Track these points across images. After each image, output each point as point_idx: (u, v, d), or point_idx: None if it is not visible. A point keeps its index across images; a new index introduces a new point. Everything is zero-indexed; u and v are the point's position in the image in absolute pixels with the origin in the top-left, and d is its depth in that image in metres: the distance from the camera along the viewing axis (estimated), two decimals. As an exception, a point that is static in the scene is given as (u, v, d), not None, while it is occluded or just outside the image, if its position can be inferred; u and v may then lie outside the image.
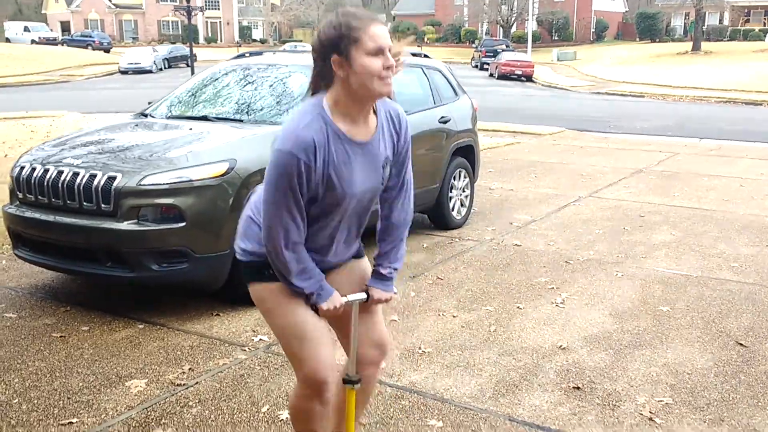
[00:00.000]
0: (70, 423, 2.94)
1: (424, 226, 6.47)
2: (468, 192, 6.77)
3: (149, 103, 5.67)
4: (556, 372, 3.55)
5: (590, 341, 3.95)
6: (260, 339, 3.84)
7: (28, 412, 3.02)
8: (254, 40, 67.25)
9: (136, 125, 5.04)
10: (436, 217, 6.43)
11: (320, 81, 2.01)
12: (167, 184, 3.92)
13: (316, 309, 2.12)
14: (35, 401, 3.11)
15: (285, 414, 3.02)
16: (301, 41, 59.24)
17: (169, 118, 5.19)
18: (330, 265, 2.22)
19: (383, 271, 2.26)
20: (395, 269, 2.28)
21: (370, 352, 2.33)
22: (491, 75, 38.02)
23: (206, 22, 66.91)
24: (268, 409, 3.07)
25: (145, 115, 5.32)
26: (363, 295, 2.24)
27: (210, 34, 66.97)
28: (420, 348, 3.80)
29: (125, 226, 3.86)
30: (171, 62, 42.38)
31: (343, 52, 1.94)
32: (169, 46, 47.53)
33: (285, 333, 2.17)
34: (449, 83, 6.69)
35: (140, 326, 3.98)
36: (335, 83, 1.98)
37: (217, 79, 5.57)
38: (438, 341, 3.90)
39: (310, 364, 2.16)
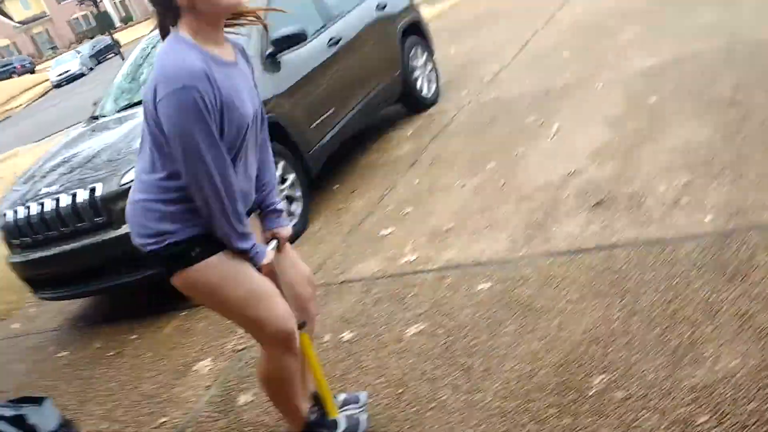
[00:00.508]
0: (163, 423, 3.07)
1: (401, 116, 6.42)
2: (430, 66, 6.66)
3: (94, 104, 5.55)
4: (575, 197, 3.63)
5: (595, 157, 4.00)
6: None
7: (122, 429, 3.16)
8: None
9: (93, 130, 4.96)
10: (408, 102, 6.36)
11: (167, 22, 1.92)
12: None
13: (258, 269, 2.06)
14: (122, 418, 3.25)
15: (348, 334, 3.14)
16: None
17: (119, 111, 5.09)
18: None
19: (278, 207, 2.25)
20: (281, 206, 2.29)
21: (305, 289, 2.32)
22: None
23: (115, 3, 64.12)
24: (331, 337, 3.18)
25: (96, 118, 5.23)
26: (275, 241, 2.22)
27: (124, 14, 64.30)
28: (442, 227, 3.88)
29: (125, 229, 3.87)
30: (99, 57, 40.97)
31: None
32: (90, 42, 45.75)
33: (240, 302, 2.07)
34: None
35: (182, 314, 4.07)
36: (183, 16, 1.89)
37: (148, 55, 5.41)
38: (456, 214, 3.98)
39: (273, 320, 2.09)
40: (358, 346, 3.02)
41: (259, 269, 2.07)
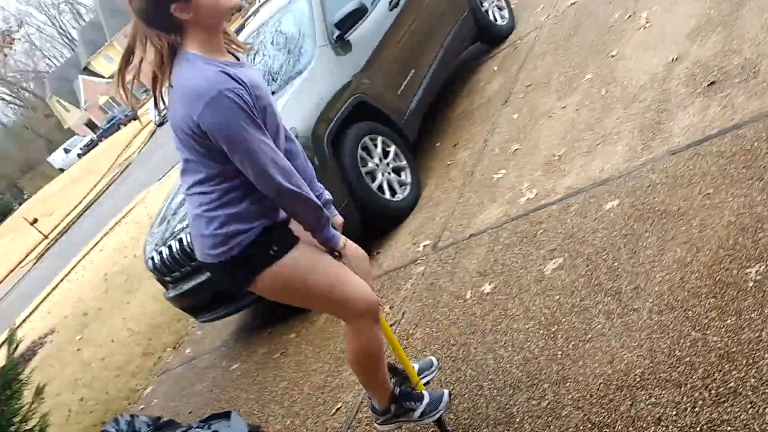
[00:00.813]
0: (338, 409, 3.25)
1: (483, 54, 6.27)
2: (500, -7, 6.43)
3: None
4: (684, 84, 3.41)
5: (694, 36, 3.72)
6: (424, 245, 3.99)
7: (302, 422, 3.37)
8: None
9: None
10: (485, 38, 6.19)
11: (172, 42, 1.93)
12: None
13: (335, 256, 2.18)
14: (301, 412, 3.46)
15: (488, 287, 3.15)
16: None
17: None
18: None
19: (327, 196, 2.34)
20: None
21: (365, 266, 2.40)
22: None
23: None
24: (472, 294, 3.21)
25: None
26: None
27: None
28: (553, 155, 3.77)
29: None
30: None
31: None
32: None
33: (326, 288, 2.15)
34: None
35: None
36: (187, 32, 1.93)
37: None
38: (564, 138, 3.85)
39: (360, 296, 2.18)
40: (500, 295, 3.03)
41: (333, 254, 2.17)
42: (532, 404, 2.35)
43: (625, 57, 4.15)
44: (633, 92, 3.71)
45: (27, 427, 4.55)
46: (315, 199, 2.05)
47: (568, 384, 2.31)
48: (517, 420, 2.34)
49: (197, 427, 2.80)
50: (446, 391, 2.45)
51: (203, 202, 2.04)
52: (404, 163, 4.69)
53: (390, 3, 5.26)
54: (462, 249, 3.63)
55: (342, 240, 2.20)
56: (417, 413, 2.37)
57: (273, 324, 4.66)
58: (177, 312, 6.00)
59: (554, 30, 5.47)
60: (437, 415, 2.40)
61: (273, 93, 4.86)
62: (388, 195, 4.47)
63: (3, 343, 4.86)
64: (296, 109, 4.38)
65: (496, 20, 6.21)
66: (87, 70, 65.63)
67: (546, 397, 2.33)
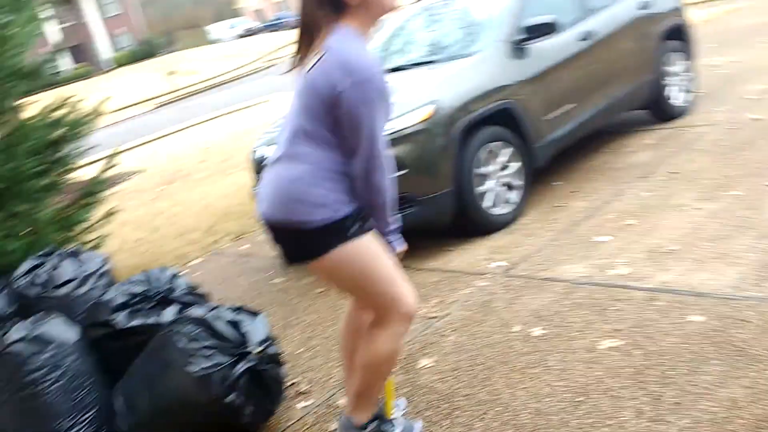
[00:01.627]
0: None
1: (643, 122, 6.09)
2: (688, 75, 6.20)
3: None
4: (828, 247, 3.22)
5: None
6: (497, 265, 3.97)
7: (312, 358, 3.46)
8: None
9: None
10: (656, 110, 6.01)
11: (329, 10, 2.03)
12: (382, 137, 4.15)
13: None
14: (316, 348, 3.56)
15: (538, 331, 3.12)
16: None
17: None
18: None
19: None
20: None
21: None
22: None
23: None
24: (520, 329, 3.18)
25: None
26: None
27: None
28: (665, 247, 3.65)
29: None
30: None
31: None
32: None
33: (387, 278, 2.20)
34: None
35: (387, 271, 4.30)
36: (350, 12, 2.04)
37: (403, 28, 5.69)
38: (684, 237, 3.72)
39: (407, 299, 2.24)
40: (546, 344, 2.99)
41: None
42: (525, 453, 2.33)
43: (781, 192, 3.95)
44: (772, 228, 3.53)
45: (86, 238, 4.88)
46: (391, 195, 2.17)
47: (567, 453, 2.28)
48: (504, 459, 2.33)
49: (225, 310, 2.93)
50: (420, 422, 2.53)
51: (306, 169, 2.09)
52: (519, 183, 4.65)
53: (582, 33, 5.17)
54: (531, 286, 3.59)
55: (403, 247, 2.35)
56: None
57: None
58: (253, 209, 6.22)
59: (727, 134, 5.24)
60: None
61: (431, 62, 4.90)
62: (487, 204, 4.46)
63: (100, 159, 5.20)
64: (448, 86, 4.41)
65: (674, 99, 6.01)
66: (279, -36, 67.78)
67: (541, 453, 2.31)
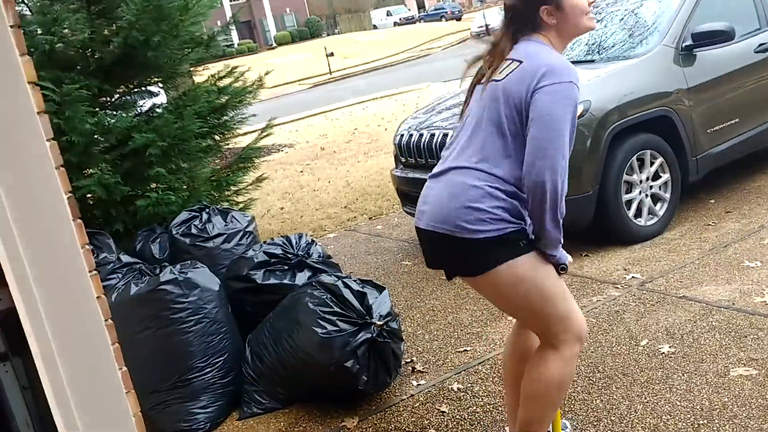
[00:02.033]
0: (465, 350, 3.35)
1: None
2: None
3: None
4: None
5: None
6: (632, 277, 3.82)
7: (430, 341, 3.52)
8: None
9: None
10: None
11: (527, 26, 2.04)
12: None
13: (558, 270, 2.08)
14: (434, 332, 3.62)
15: (666, 348, 2.99)
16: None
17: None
18: None
19: None
20: None
21: None
22: None
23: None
24: (647, 344, 3.07)
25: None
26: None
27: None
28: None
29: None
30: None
31: (552, 1, 2.01)
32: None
33: (553, 298, 2.05)
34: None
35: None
36: (543, 30, 2.04)
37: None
38: None
39: (578, 318, 2.09)
40: (673, 362, 2.87)
41: (558, 270, 2.09)
42: (635, 467, 2.26)
43: None
44: None
45: (236, 199, 5.24)
46: (564, 209, 2.00)
47: (681, 475, 2.19)
48: (612, 469, 2.27)
49: (354, 281, 3.06)
50: None
51: (484, 181, 1.99)
52: (667, 195, 4.44)
53: (761, 45, 4.82)
54: (666, 303, 3.43)
55: (569, 259, 2.13)
56: None
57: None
58: (390, 191, 6.38)
59: None
60: None
61: (592, 61, 4.77)
62: (631, 213, 4.30)
63: (257, 130, 5.54)
64: (605, 86, 4.28)
65: None
66: (447, -43, 67.94)
67: (652, 470, 2.23)
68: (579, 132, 4.02)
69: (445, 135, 4.50)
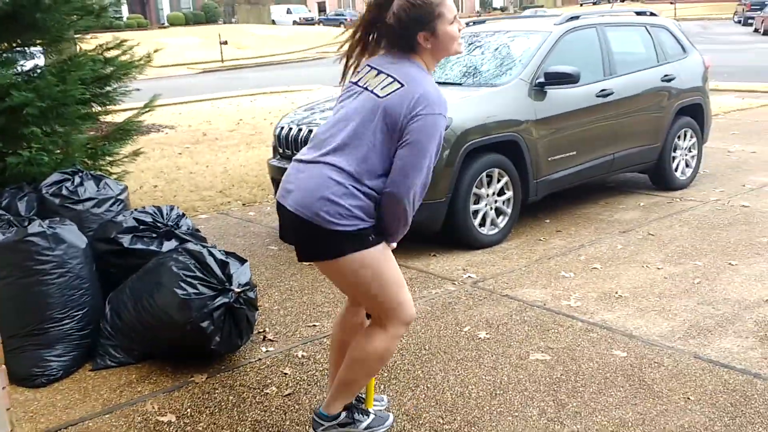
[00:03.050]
0: (314, 326, 3.71)
1: (645, 187, 6.45)
2: (695, 152, 6.57)
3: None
4: (756, 322, 3.57)
5: (803, 298, 3.84)
6: (468, 276, 4.35)
7: (284, 317, 3.85)
8: (494, 9, 67.27)
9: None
10: (656, 177, 6.37)
11: (403, 47, 2.29)
12: (393, 139, 4.56)
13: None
14: (289, 309, 3.95)
15: (483, 334, 3.50)
16: (542, 6, 58.02)
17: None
18: None
19: None
20: None
21: None
22: (756, 30, 34.02)
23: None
24: (468, 330, 3.57)
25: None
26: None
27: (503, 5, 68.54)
28: (617, 292, 4.02)
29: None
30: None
31: (429, 28, 2.26)
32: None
33: (390, 284, 2.35)
34: (677, 40, 6.51)
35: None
36: (420, 52, 2.29)
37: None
38: (636, 288, 4.08)
39: (409, 307, 2.43)
40: (486, 346, 3.37)
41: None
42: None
43: (737, 271, 4.30)
44: (716, 297, 3.89)
45: (109, 169, 5.32)
46: (408, 225, 2.34)
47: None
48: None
49: (218, 251, 3.34)
50: (392, 416, 2.73)
51: (347, 177, 2.22)
52: (509, 210, 5.04)
53: (602, 90, 5.56)
54: (491, 299, 3.97)
55: (393, 245, 2.43)
56: (363, 425, 2.59)
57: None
58: (266, 182, 6.65)
59: (712, 213, 5.58)
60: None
61: (461, 84, 5.32)
62: (477, 222, 4.85)
63: (139, 107, 5.64)
64: (467, 108, 4.81)
65: (675, 170, 6.37)
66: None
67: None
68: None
69: (321, 133, 4.86)
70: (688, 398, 2.85)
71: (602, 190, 6.38)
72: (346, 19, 56.24)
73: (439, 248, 4.86)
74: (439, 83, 5.36)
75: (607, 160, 5.73)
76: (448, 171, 4.60)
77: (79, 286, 3.29)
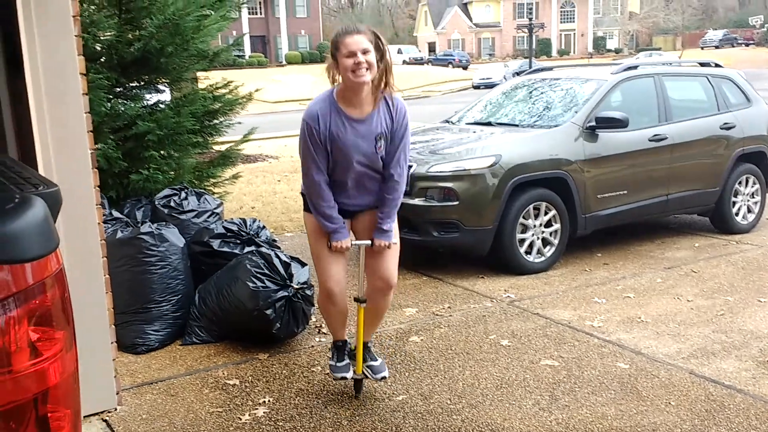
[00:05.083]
0: (363, 326, 4.35)
1: (706, 229, 6.70)
2: (758, 199, 6.75)
3: (455, 112, 7.05)
4: (761, 350, 3.88)
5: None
6: (508, 296, 4.86)
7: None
8: (608, 50, 66.56)
9: (437, 129, 6.45)
10: (717, 220, 6.61)
11: (334, 76, 3.00)
12: (448, 172, 5.18)
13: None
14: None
15: (506, 342, 4.02)
16: (659, 49, 56.91)
17: (467, 123, 6.48)
18: (353, 208, 3.18)
19: (383, 226, 3.14)
20: (390, 225, 3.14)
21: (377, 283, 3.23)
22: None
23: (560, 34, 68.50)
24: (494, 338, 4.10)
25: (448, 122, 6.71)
26: (367, 242, 3.16)
27: (563, 47, 68.28)
28: (640, 318, 4.42)
29: (416, 201, 5.23)
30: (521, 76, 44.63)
31: (335, 58, 2.94)
32: (521, 60, 49.99)
33: (313, 253, 3.19)
34: (741, 90, 6.77)
35: (424, 278, 5.31)
36: (339, 83, 2.99)
37: (506, 92, 6.71)
38: (660, 315, 4.46)
39: (323, 277, 3.17)
40: (505, 351, 3.90)
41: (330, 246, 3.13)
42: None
43: (765, 308, 4.57)
44: (732, 327, 4.20)
45: (213, 190, 6.24)
46: (323, 209, 3.07)
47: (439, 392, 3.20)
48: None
49: (284, 255, 4.06)
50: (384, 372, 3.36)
51: None
52: (556, 241, 5.51)
53: (655, 135, 5.95)
54: (522, 316, 4.47)
55: (338, 242, 3.10)
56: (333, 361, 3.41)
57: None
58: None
59: (762, 258, 5.79)
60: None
61: (515, 125, 5.89)
62: (523, 249, 5.36)
63: (242, 138, 6.56)
64: (517, 146, 5.38)
65: (737, 215, 6.58)
66: (464, 6, 70.28)
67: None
68: (487, 177, 5.13)
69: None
70: (669, 403, 3.27)
71: (661, 229, 6.68)
72: (454, 59, 57.53)
73: (488, 271, 5.40)
74: (497, 124, 6.02)
75: (660, 200, 6.08)
76: (495, 202, 5.16)
77: (176, 276, 4.11)
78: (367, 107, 3.01)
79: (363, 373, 3.37)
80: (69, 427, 1.24)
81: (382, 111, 3.03)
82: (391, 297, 3.34)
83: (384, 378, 3.38)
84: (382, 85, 2.98)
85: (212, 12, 6.01)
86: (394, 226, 3.18)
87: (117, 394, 3.30)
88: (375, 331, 3.53)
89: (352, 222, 3.24)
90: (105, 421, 3.19)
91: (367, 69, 2.89)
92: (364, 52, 2.88)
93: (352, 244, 3.18)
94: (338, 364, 3.38)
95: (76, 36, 3.02)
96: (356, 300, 3.28)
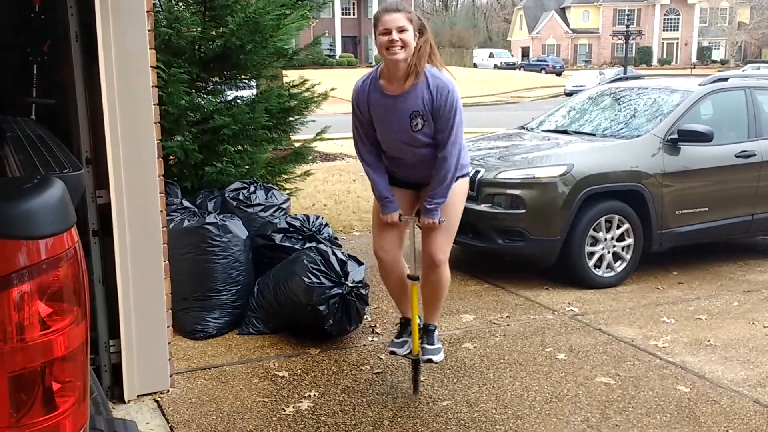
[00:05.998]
0: (418, 329, 4.33)
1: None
2: None
3: (533, 118, 6.90)
4: (841, 386, 3.60)
5: None
6: (571, 309, 4.72)
7: (395, 318, 4.49)
8: (713, 61, 63.59)
9: (511, 135, 6.34)
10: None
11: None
12: (517, 179, 5.08)
13: None
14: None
15: (562, 356, 3.90)
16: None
17: (543, 131, 6.33)
18: (407, 182, 3.29)
19: (428, 206, 3.14)
20: (437, 204, 3.13)
21: (425, 259, 3.28)
22: None
23: (662, 43, 66.01)
24: (550, 351, 3.98)
25: (524, 128, 6.58)
26: (414, 218, 3.28)
27: (665, 56, 65.72)
28: (709, 341, 4.19)
29: (482, 207, 5.15)
30: (614, 85, 43.22)
31: (374, 35, 3.02)
32: (618, 68, 48.42)
33: (373, 218, 3.36)
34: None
35: (486, 285, 5.23)
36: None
37: (587, 100, 6.51)
38: (731, 340, 4.21)
39: (374, 244, 3.36)
40: (560, 365, 3.78)
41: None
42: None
43: None
44: (814, 360, 3.92)
45: (284, 185, 6.37)
46: (371, 180, 3.27)
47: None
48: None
49: (342, 252, 4.10)
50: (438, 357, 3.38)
51: None
52: (628, 256, 5.30)
53: (742, 151, 5.62)
54: (583, 331, 4.33)
55: (388, 215, 3.22)
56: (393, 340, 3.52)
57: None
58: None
59: None
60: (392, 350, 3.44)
61: (592, 135, 5.70)
62: (592, 263, 5.18)
63: (314, 136, 6.67)
64: (591, 155, 5.22)
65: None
66: (562, 11, 68.83)
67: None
68: (557, 187, 5.00)
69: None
70: (727, 431, 3.08)
71: (745, 250, 6.32)
72: (547, 65, 56.41)
73: (554, 283, 5.25)
74: (573, 133, 5.85)
75: (744, 220, 5.75)
76: (564, 212, 5.01)
77: (237, 267, 4.22)
78: (405, 84, 3.03)
79: (418, 355, 3.36)
80: (75, 398, 1.29)
81: (421, 89, 3.02)
82: (444, 276, 3.31)
83: (430, 360, 3.36)
84: (421, 63, 3.01)
85: (292, 11, 6.14)
86: (447, 204, 3.18)
87: (171, 376, 3.42)
88: (436, 313, 3.46)
89: (419, 194, 3.30)
90: (157, 401, 3.31)
91: (401, 47, 2.95)
92: (401, 30, 2.94)
93: (400, 219, 3.25)
94: (395, 340, 3.48)
95: (149, 30, 3.16)
96: (409, 277, 3.36)
